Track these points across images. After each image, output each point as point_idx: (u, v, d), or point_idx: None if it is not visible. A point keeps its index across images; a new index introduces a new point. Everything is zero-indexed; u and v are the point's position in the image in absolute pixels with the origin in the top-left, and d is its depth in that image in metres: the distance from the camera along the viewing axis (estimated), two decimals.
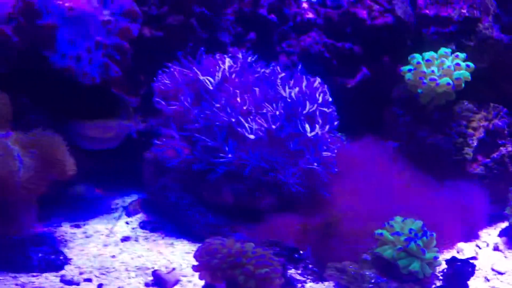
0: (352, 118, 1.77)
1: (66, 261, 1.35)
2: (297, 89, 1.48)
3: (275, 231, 1.43)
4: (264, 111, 1.45)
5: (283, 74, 1.58)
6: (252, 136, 1.42)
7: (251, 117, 1.46)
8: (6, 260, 1.28)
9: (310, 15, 1.82)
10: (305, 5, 1.84)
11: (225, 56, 1.60)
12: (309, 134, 1.44)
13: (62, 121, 1.61)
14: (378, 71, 1.80)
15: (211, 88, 1.49)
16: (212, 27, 1.81)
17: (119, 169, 1.83)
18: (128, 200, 1.77)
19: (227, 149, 1.43)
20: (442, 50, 1.60)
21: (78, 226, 1.59)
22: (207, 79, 1.49)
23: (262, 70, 1.60)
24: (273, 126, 1.44)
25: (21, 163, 1.24)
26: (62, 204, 1.66)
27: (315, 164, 1.45)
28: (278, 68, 1.62)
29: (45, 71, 1.52)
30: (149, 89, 1.81)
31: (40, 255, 1.31)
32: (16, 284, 1.24)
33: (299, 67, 1.64)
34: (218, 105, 1.46)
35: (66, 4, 1.53)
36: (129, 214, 1.68)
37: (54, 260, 1.32)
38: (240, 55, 1.61)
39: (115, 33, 1.56)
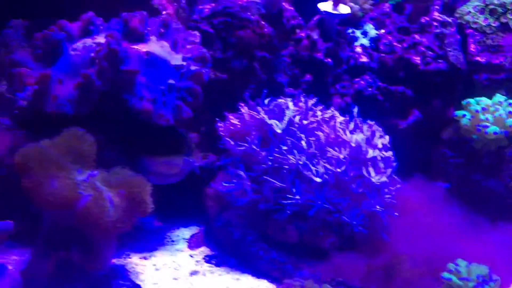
0: (401, 158, 1.85)
1: None
2: (360, 135, 1.56)
3: (339, 270, 1.50)
4: (329, 155, 1.53)
5: (342, 119, 1.68)
6: (318, 180, 1.50)
7: (316, 160, 1.55)
8: None
9: (364, 59, 1.91)
10: (358, 49, 1.93)
11: (288, 99, 1.70)
12: (373, 179, 1.52)
13: (133, 158, 1.71)
14: (428, 114, 1.89)
15: (279, 131, 1.58)
16: (270, 69, 1.91)
17: (178, 202, 1.92)
18: (187, 232, 1.85)
19: (294, 190, 1.51)
20: (497, 97, 1.68)
21: (145, 258, 1.67)
22: (275, 123, 1.58)
23: (321, 113, 1.69)
24: (338, 170, 1.52)
25: (111, 203, 1.33)
26: (127, 237, 1.75)
27: (378, 207, 1.52)
28: (335, 111, 1.71)
29: (121, 112, 1.62)
30: (209, 127, 1.91)
31: None
32: None
33: (355, 111, 1.73)
34: (285, 148, 1.55)
35: (144, 50, 1.64)
36: (191, 247, 1.76)
37: None
38: (302, 99, 1.70)
39: (187, 77, 1.66)
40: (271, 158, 1.55)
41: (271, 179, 1.53)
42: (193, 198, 1.87)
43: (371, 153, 1.56)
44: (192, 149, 1.85)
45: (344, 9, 1.90)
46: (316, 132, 1.59)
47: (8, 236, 1.46)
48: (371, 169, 1.53)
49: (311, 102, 1.70)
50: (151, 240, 1.79)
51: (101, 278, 1.38)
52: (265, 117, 1.59)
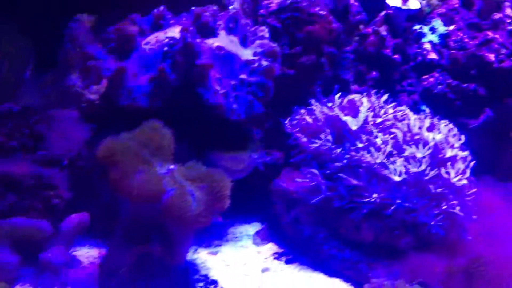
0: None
1: None
2: (440, 134, 1.52)
3: (416, 271, 1.46)
4: (407, 154, 1.49)
5: (415, 117, 1.64)
6: (398, 178, 1.47)
7: (393, 158, 1.51)
8: None
9: (433, 55, 1.87)
10: (427, 45, 1.89)
11: (358, 96, 1.66)
12: (453, 180, 1.47)
13: (201, 152, 1.70)
14: (501, 113, 1.83)
15: (354, 128, 1.55)
16: (336, 65, 1.88)
17: (239, 198, 1.91)
18: (249, 228, 1.84)
19: (371, 189, 1.48)
20: None
21: (213, 254, 1.66)
22: (350, 119, 1.55)
23: (393, 111, 1.65)
24: (417, 169, 1.48)
25: (193, 197, 1.32)
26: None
27: (458, 208, 1.48)
28: (407, 109, 1.67)
29: (192, 106, 1.61)
30: (273, 123, 1.89)
31: (201, 284, 1.38)
32: None
33: (426, 109, 1.69)
34: (361, 145, 1.51)
35: (215, 44, 1.63)
36: (257, 244, 1.75)
37: None
38: (373, 96, 1.67)
39: (259, 72, 1.64)
40: (348, 156, 1.52)
41: (347, 177, 1.50)
42: (254, 195, 1.85)
43: (449, 152, 1.52)
44: (258, 146, 1.83)
45: (413, 4, 1.86)
46: (392, 130, 1.55)
47: (84, 229, 1.47)
48: (450, 170, 1.48)
49: (382, 98, 1.67)
50: (215, 236, 1.78)
51: (180, 273, 1.37)
52: (340, 113, 1.57)
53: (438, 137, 1.55)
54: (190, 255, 1.62)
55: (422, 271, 1.45)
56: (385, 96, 1.67)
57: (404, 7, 1.85)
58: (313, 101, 1.66)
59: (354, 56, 1.92)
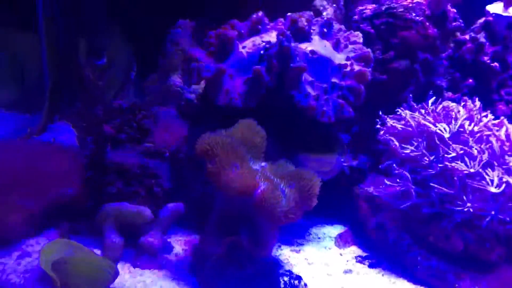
0: None
1: (306, 287, 1.46)
2: None
3: (506, 284, 1.41)
4: (509, 165, 1.44)
5: None
6: (494, 190, 1.42)
7: (489, 168, 1.47)
8: (258, 280, 1.42)
9: None
10: None
11: (454, 104, 1.63)
12: None
13: (289, 152, 1.75)
14: None
15: (447, 136, 1.52)
16: (430, 72, 1.85)
17: (325, 200, 1.94)
18: (332, 230, 1.86)
19: (465, 198, 1.45)
20: None
21: (297, 252, 1.71)
22: (444, 127, 1.53)
23: (489, 120, 1.60)
24: None
25: (283, 193, 1.38)
26: None
27: None
28: (505, 119, 1.61)
29: (284, 107, 1.68)
30: (360, 128, 1.90)
31: (286, 278, 1.43)
32: None
33: None
34: (454, 154, 1.49)
35: (309, 49, 1.68)
36: (339, 246, 1.77)
37: (298, 286, 1.43)
38: (470, 103, 1.62)
39: (351, 76, 1.67)
40: (440, 164, 1.49)
41: (439, 186, 1.48)
42: (339, 198, 1.87)
43: None
44: (345, 149, 1.85)
45: None
46: (490, 139, 1.50)
47: (178, 217, 1.58)
48: None
49: (477, 105, 1.62)
50: (298, 235, 1.82)
51: (266, 265, 1.43)
52: (431, 121, 1.55)
53: None
54: (274, 251, 1.68)
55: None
56: (478, 103, 1.62)
57: (505, 14, 1.78)
58: (401, 109, 1.66)
59: (448, 63, 1.89)
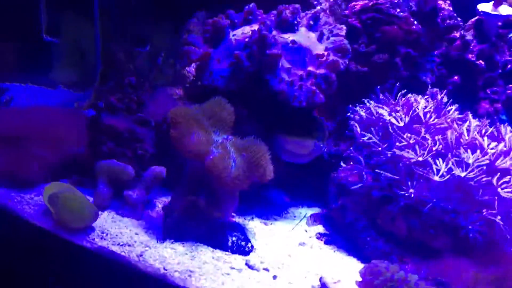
0: None
1: (252, 249, 1.62)
2: (501, 144, 1.47)
3: (444, 271, 1.45)
4: (463, 157, 1.47)
5: (477, 123, 1.59)
6: (437, 178, 1.47)
7: (440, 158, 1.51)
8: (209, 237, 1.61)
9: None
10: None
11: (420, 97, 1.68)
12: (503, 193, 1.41)
13: (269, 134, 1.91)
14: None
15: (400, 125, 1.59)
16: (415, 67, 1.90)
17: (307, 183, 2.07)
18: (309, 212, 1.98)
19: (409, 184, 1.51)
20: None
21: (265, 224, 1.86)
22: (397, 117, 1.59)
23: (456, 113, 1.63)
24: (465, 175, 1.46)
25: (234, 162, 1.56)
26: (257, 203, 1.97)
27: (499, 217, 1.42)
28: (470, 115, 1.63)
29: (263, 91, 1.84)
30: (344, 117, 2.00)
31: (234, 238, 1.60)
32: (212, 257, 1.55)
33: (502, 116, 1.61)
34: (404, 143, 1.55)
35: (290, 38, 1.83)
36: (308, 224, 1.89)
37: (244, 246, 1.59)
38: (439, 96, 1.66)
39: (325, 65, 1.79)
40: (390, 151, 1.57)
41: (385, 172, 1.55)
42: (320, 182, 1.98)
43: (507, 163, 1.45)
44: (325, 136, 1.96)
45: (505, 10, 1.77)
46: (447, 132, 1.55)
47: (161, 180, 1.82)
48: (503, 181, 1.42)
49: (444, 100, 1.65)
50: (276, 212, 1.97)
51: (220, 226, 1.61)
52: (385, 113, 1.62)
53: (500, 146, 1.49)
54: (245, 222, 1.85)
55: (450, 272, 1.43)
56: (440, 97, 1.65)
57: (494, 13, 1.77)
58: (368, 100, 1.74)
59: (441, 60, 1.91)
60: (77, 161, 1.91)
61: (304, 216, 1.95)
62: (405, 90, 1.72)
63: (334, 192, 1.83)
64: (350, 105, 1.83)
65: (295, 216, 1.96)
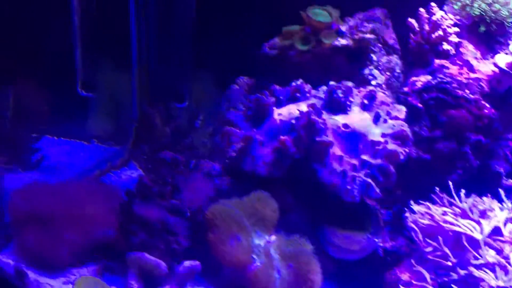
0: None
1: None
2: None
3: None
4: None
5: None
6: None
7: None
8: None
9: None
10: None
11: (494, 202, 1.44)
12: None
13: (315, 225, 1.70)
14: None
15: (479, 238, 1.34)
16: (485, 154, 1.66)
17: (358, 283, 1.83)
18: None
19: None
20: None
21: None
22: (472, 226, 1.36)
23: None
24: None
25: (279, 273, 1.35)
26: None
27: None
28: None
29: (311, 180, 1.64)
30: (403, 207, 1.77)
31: None
32: None
33: None
34: (482, 261, 1.31)
35: (342, 122, 1.63)
36: None
37: None
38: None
39: (382, 155, 1.58)
40: (465, 271, 1.32)
41: None
42: (371, 281, 1.75)
43: None
44: (380, 228, 1.74)
45: None
46: None
47: (195, 275, 1.63)
48: None
49: None
50: None
51: None
52: (461, 223, 1.38)
53: None
54: None
55: None
56: None
57: None
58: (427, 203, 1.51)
59: None
60: (107, 244, 1.77)
61: None
62: (475, 183, 1.49)
63: None
64: (412, 195, 1.61)
65: None
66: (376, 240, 1.69)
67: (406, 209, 1.57)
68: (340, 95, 1.65)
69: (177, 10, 2.43)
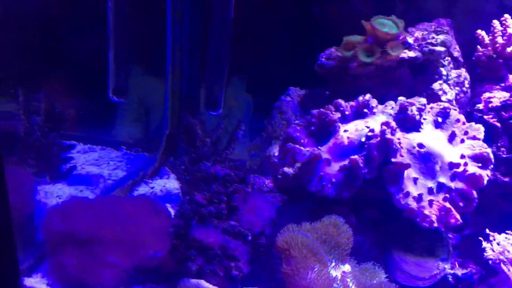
0: None
1: None
2: None
3: None
4: None
5: None
6: None
7: None
8: None
9: None
10: None
11: None
12: None
13: (384, 249, 1.59)
14: None
15: None
16: None
17: None
18: None
19: None
20: None
21: None
22: None
23: None
24: None
25: None
26: None
27: None
28: None
29: (383, 202, 1.53)
30: (474, 231, 1.66)
31: None
32: None
33: None
34: None
35: (416, 141, 1.52)
36: None
37: None
38: None
39: (462, 179, 1.47)
40: None
41: None
42: None
43: None
44: (450, 254, 1.62)
45: None
46: None
47: None
48: None
49: None
50: None
51: None
52: None
53: None
54: None
55: None
56: None
57: None
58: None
59: None
60: (154, 266, 1.66)
61: None
62: None
63: None
64: (487, 220, 1.50)
65: None
66: (446, 266, 1.58)
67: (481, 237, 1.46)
68: (415, 112, 1.54)
69: (214, 15, 2.32)
